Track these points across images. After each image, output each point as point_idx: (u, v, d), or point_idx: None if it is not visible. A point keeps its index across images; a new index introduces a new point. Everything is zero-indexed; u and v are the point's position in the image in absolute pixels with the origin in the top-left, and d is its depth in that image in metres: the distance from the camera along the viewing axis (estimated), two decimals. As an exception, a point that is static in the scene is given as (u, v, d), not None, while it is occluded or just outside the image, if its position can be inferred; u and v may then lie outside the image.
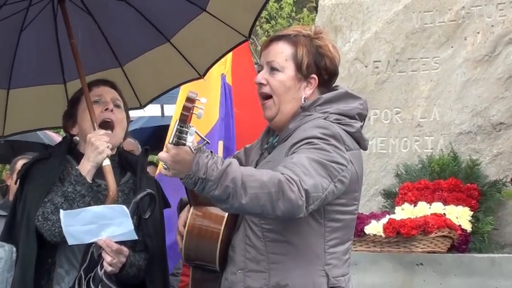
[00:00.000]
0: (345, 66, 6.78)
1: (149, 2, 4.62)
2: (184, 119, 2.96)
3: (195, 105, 2.96)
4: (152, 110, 8.92)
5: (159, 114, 9.34)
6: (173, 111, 8.56)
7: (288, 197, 3.01)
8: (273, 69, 3.44)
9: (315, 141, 3.21)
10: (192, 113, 2.96)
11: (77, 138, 4.18)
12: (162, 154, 3.04)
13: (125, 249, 3.83)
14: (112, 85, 4.28)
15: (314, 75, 3.44)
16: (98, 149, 3.94)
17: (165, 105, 8.90)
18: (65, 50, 4.56)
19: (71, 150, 4.18)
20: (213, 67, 5.02)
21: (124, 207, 3.75)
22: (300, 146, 3.22)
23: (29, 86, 4.74)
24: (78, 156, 4.09)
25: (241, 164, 3.31)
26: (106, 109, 4.14)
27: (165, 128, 9.50)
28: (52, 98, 4.73)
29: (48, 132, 9.73)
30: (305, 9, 19.69)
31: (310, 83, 3.45)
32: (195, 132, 3.01)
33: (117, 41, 4.74)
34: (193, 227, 3.46)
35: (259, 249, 3.35)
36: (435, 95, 6.50)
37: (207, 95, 5.28)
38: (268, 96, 3.45)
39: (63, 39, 4.50)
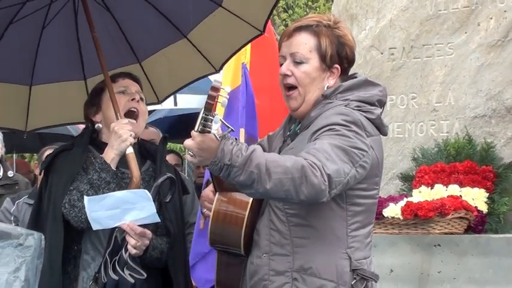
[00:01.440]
0: (361, 54, 6.80)
1: (166, -1, 4.67)
2: (209, 107, 2.99)
3: (220, 93, 3.00)
4: (170, 102, 9.01)
5: (172, 103, 9.42)
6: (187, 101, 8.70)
7: (311, 181, 3.03)
8: (297, 61, 3.45)
9: (337, 127, 3.24)
10: (217, 101, 3.00)
11: (100, 125, 4.24)
12: (188, 142, 3.06)
13: (148, 232, 3.88)
14: (135, 79, 4.35)
15: (337, 65, 3.47)
16: (122, 137, 4.00)
17: (178, 95, 8.97)
18: (85, 46, 4.63)
19: (93, 140, 4.24)
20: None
21: (146, 191, 3.79)
22: (322, 133, 3.24)
23: (50, 83, 4.79)
24: (100, 146, 4.16)
25: (264, 151, 3.32)
26: (132, 99, 4.21)
27: (182, 118, 9.64)
28: (72, 94, 4.78)
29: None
30: (321, -2, 19.71)
31: (333, 72, 3.48)
32: (220, 120, 3.05)
33: (135, 38, 4.79)
34: (219, 212, 3.51)
35: (284, 233, 3.39)
36: (450, 80, 6.52)
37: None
38: (292, 87, 3.47)
39: (84, 36, 4.56)
